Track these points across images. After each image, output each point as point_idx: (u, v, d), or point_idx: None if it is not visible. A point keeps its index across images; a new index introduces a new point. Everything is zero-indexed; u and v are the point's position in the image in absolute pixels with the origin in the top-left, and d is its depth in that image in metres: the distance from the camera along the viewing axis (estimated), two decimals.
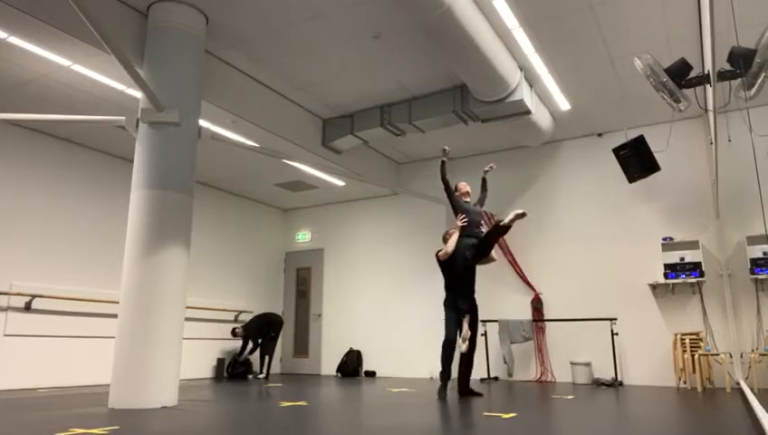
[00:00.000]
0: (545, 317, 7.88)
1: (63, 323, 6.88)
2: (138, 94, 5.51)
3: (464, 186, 5.81)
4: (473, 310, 5.44)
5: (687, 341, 6.48)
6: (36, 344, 6.59)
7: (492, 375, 7.92)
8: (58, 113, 6.31)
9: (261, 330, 8.56)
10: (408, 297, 8.94)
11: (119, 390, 4.40)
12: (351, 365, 9.05)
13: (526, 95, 6.34)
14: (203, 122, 6.07)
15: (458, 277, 5.43)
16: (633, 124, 7.46)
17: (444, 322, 5.41)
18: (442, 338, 5.36)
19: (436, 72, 6.44)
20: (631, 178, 5.90)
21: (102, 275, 7.36)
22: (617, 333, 7.12)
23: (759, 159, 5.80)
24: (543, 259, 8.07)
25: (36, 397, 5.42)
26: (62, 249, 7.03)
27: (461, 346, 5.24)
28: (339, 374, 9.14)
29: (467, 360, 5.39)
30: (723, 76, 4.12)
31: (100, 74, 5.62)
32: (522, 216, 5.19)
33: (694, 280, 6.83)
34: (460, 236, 5.46)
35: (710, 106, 5.09)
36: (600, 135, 8.08)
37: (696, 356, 6.31)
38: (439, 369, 5.34)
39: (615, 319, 7.19)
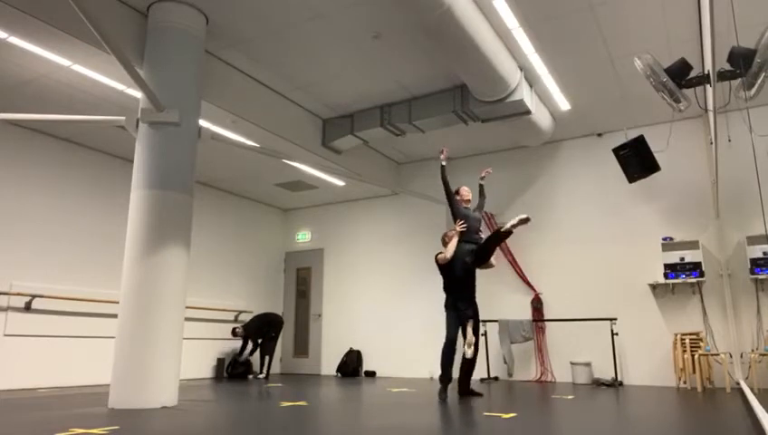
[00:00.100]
0: (545, 317, 7.88)
1: (63, 323, 6.88)
2: (138, 94, 5.51)
3: (466, 192, 5.74)
4: (476, 315, 5.42)
5: (687, 341, 6.48)
6: (36, 344, 6.59)
7: (492, 375, 7.92)
8: (58, 113, 6.31)
9: (261, 330, 8.56)
10: (407, 297, 8.94)
11: (119, 390, 4.40)
12: (351, 365, 9.05)
13: (526, 95, 6.34)
14: (203, 122, 6.07)
15: (458, 282, 5.39)
16: (633, 124, 7.46)
17: (445, 324, 5.39)
18: (442, 338, 5.35)
19: (436, 72, 6.44)
20: (631, 178, 5.90)
21: (102, 275, 7.36)
22: (617, 333, 7.12)
23: (759, 159, 5.79)
24: (543, 259, 8.07)
25: (36, 397, 5.42)
26: (62, 249, 7.03)
27: (467, 352, 5.22)
28: (339, 374, 9.14)
29: (470, 362, 5.37)
30: (723, 76, 4.12)
31: (100, 74, 5.62)
32: (525, 221, 5.10)
33: (694, 280, 6.83)
34: (459, 242, 5.43)
35: (710, 106, 5.09)
36: (599, 135, 8.08)
37: (696, 356, 6.31)
38: (439, 371, 5.32)
39: (615, 319, 7.19)
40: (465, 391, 5.41)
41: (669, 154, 6.47)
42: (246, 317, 9.02)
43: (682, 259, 6.95)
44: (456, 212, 5.57)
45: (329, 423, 3.69)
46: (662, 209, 7.44)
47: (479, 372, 7.41)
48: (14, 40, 4.97)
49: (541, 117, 6.97)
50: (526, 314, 7.96)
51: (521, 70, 6.26)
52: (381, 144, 8.48)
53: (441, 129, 7.45)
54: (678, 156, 7.14)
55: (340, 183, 8.96)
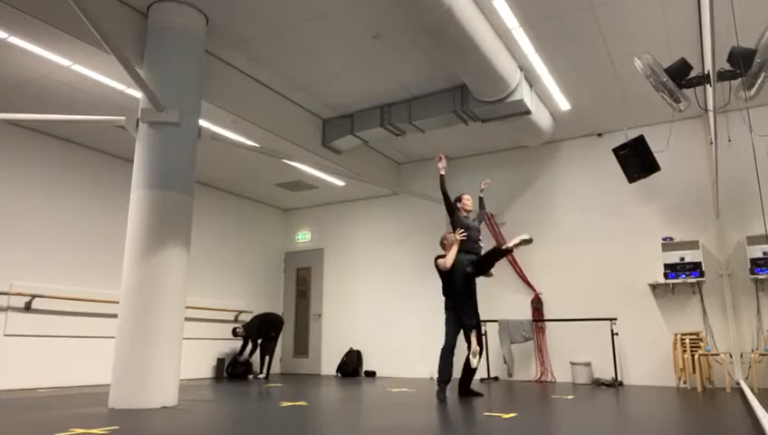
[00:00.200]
0: (545, 317, 7.88)
1: (63, 323, 6.88)
2: (138, 94, 5.51)
3: (467, 201, 5.66)
4: (479, 324, 5.37)
5: (687, 341, 6.48)
6: (36, 344, 6.59)
7: (492, 375, 7.92)
8: (58, 113, 6.31)
9: (261, 330, 8.56)
10: (407, 297, 8.94)
11: (119, 390, 4.40)
12: (351, 365, 9.05)
13: (526, 95, 6.34)
14: (203, 122, 6.07)
15: (459, 292, 5.33)
16: (633, 124, 7.46)
17: (444, 326, 5.36)
18: (442, 338, 5.33)
19: (436, 72, 6.44)
20: (631, 178, 5.90)
21: (102, 275, 7.36)
22: (617, 333, 7.12)
23: (759, 159, 5.80)
24: (543, 259, 8.07)
25: (36, 397, 5.42)
26: (62, 249, 7.03)
27: (472, 362, 5.20)
28: (339, 374, 9.14)
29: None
30: (723, 76, 4.12)
31: (100, 74, 5.62)
32: (527, 242, 5.15)
33: (694, 280, 6.83)
34: (459, 251, 5.36)
35: (710, 106, 5.09)
36: (599, 135, 8.08)
37: (696, 356, 6.31)
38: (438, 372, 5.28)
39: (615, 319, 7.19)
40: (466, 391, 5.41)
41: (669, 154, 6.47)
42: (246, 317, 9.02)
43: (682, 259, 6.95)
44: (457, 221, 5.50)
45: (329, 423, 3.69)
46: (662, 209, 7.44)
47: (479, 372, 7.42)
48: (14, 40, 4.97)
49: (541, 117, 6.97)
50: (526, 314, 7.96)
51: (521, 70, 6.26)
52: (381, 144, 8.48)
53: (441, 129, 7.45)
54: (678, 156, 7.14)
55: (340, 183, 8.96)
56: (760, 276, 6.47)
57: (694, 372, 6.34)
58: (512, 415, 3.96)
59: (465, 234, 5.41)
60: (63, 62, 5.37)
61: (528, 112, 6.53)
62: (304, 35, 5.65)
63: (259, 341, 8.60)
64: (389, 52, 5.98)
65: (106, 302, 7.17)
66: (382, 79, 6.60)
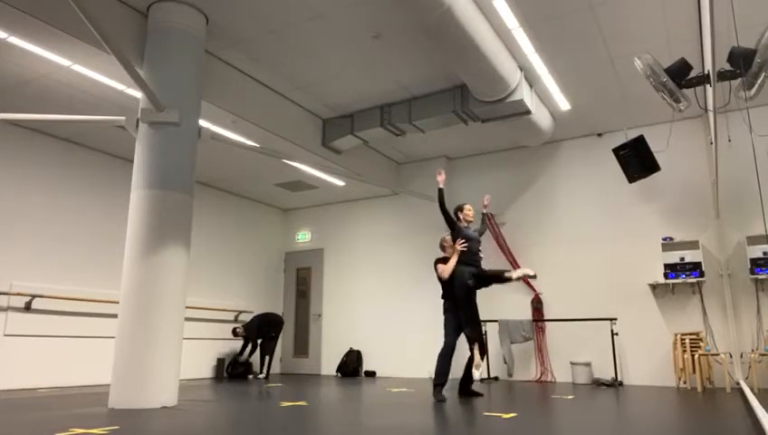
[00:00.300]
0: (545, 317, 7.88)
1: (63, 323, 6.88)
2: (138, 94, 5.51)
3: (469, 211, 5.57)
4: (480, 336, 5.33)
5: (687, 341, 6.48)
6: (36, 344, 6.59)
7: (492, 375, 7.93)
8: (58, 113, 6.31)
9: (261, 330, 8.56)
10: (408, 297, 8.94)
11: (119, 390, 4.40)
12: (351, 365, 9.05)
13: (526, 95, 6.34)
14: (203, 122, 6.07)
15: (461, 304, 5.27)
16: (633, 124, 7.46)
17: (443, 328, 5.33)
18: (442, 338, 5.32)
19: (436, 72, 6.44)
20: (631, 178, 5.90)
21: (102, 275, 7.36)
22: (617, 333, 7.12)
23: (759, 159, 5.79)
24: (543, 259, 8.07)
25: (36, 397, 5.42)
26: (62, 249, 7.03)
27: (474, 374, 5.17)
28: (339, 374, 9.14)
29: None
30: (723, 76, 4.12)
31: (100, 74, 5.62)
32: (530, 277, 5.13)
33: (694, 280, 6.83)
34: (459, 262, 5.29)
35: (710, 106, 5.08)
36: (599, 135, 8.08)
37: (696, 356, 6.31)
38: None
39: (615, 319, 7.19)
40: (466, 391, 5.40)
41: (669, 154, 6.47)
42: (246, 317, 9.02)
43: (682, 259, 6.95)
44: (458, 232, 5.42)
45: (329, 423, 3.69)
46: (662, 209, 7.44)
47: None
48: (14, 40, 4.97)
49: (541, 117, 6.97)
50: (526, 314, 7.96)
51: (521, 70, 6.26)
52: (381, 144, 8.48)
53: (441, 129, 7.46)
54: (678, 156, 7.14)
55: (340, 183, 8.96)
56: (760, 276, 6.47)
57: (694, 372, 6.34)
58: (512, 415, 3.96)
59: (465, 244, 5.32)
60: (63, 62, 5.37)
61: (528, 112, 6.53)
62: (304, 35, 5.65)
63: (259, 341, 8.60)
64: (389, 52, 5.98)
65: (106, 302, 7.17)
66: (382, 79, 6.60)
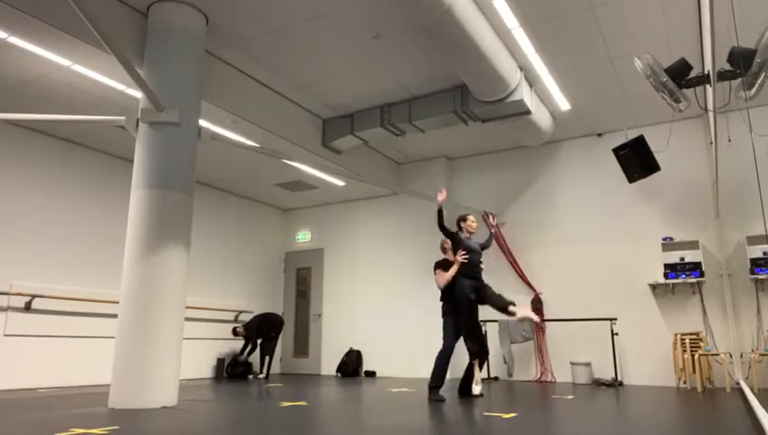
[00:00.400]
0: (545, 317, 7.88)
1: (63, 323, 6.88)
2: (138, 94, 5.51)
3: (472, 223, 5.49)
4: (482, 350, 5.31)
5: (687, 341, 6.48)
6: (36, 344, 6.59)
7: (492, 375, 7.92)
8: (58, 113, 6.31)
9: (261, 330, 8.56)
10: (408, 297, 8.93)
11: (119, 390, 4.40)
12: (351, 365, 9.05)
13: (526, 95, 6.34)
14: (203, 122, 6.07)
15: (460, 313, 5.24)
16: (633, 124, 7.46)
17: (442, 330, 5.30)
18: (441, 338, 5.33)
19: (436, 72, 6.44)
20: (631, 178, 5.90)
21: (102, 275, 7.36)
22: (617, 333, 7.12)
23: (759, 159, 5.79)
24: (543, 259, 8.07)
25: (36, 397, 5.42)
26: (62, 249, 7.03)
27: (474, 389, 5.16)
28: (339, 374, 9.14)
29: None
30: (723, 76, 4.12)
31: (100, 74, 5.62)
32: (532, 320, 5.09)
33: (694, 280, 6.83)
34: (459, 274, 5.23)
35: (710, 106, 5.08)
36: (600, 135, 8.09)
37: (696, 356, 6.31)
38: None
39: (615, 319, 7.19)
40: (466, 391, 5.40)
41: (669, 154, 6.46)
42: (246, 317, 9.02)
43: (682, 259, 6.95)
44: (459, 243, 5.34)
45: (329, 423, 3.69)
46: (662, 209, 7.44)
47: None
48: (14, 40, 4.97)
49: (541, 117, 6.97)
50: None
51: (521, 70, 6.26)
52: (381, 144, 8.48)
53: (441, 129, 7.46)
54: (678, 156, 7.14)
55: (340, 183, 8.96)
56: (760, 276, 6.47)
57: (694, 372, 6.34)
58: (512, 415, 3.96)
59: (466, 256, 5.24)
60: (63, 62, 5.37)
61: (528, 112, 6.53)
62: (304, 35, 5.65)
63: (259, 341, 8.60)
64: (389, 52, 5.98)
65: (106, 302, 7.17)
66: (382, 79, 6.60)
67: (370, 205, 9.82)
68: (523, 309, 5.13)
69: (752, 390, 5.72)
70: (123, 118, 5.06)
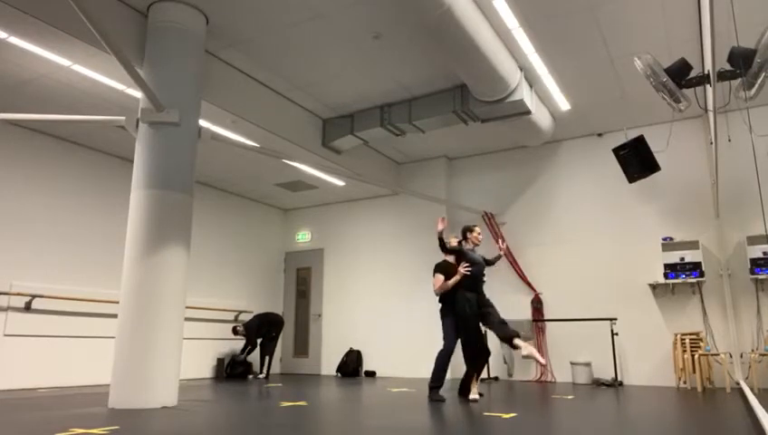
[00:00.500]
0: (545, 317, 7.88)
1: (63, 323, 6.88)
2: (138, 94, 5.51)
3: (478, 235, 5.44)
4: (486, 355, 5.29)
5: (687, 341, 6.48)
6: (36, 344, 6.59)
7: (492, 375, 7.92)
8: (58, 113, 6.31)
9: (261, 329, 8.56)
10: (408, 297, 8.94)
11: (119, 390, 4.40)
12: (351, 365, 9.05)
13: (526, 95, 6.34)
14: (203, 122, 6.07)
15: (460, 326, 5.22)
16: (633, 124, 7.46)
17: (442, 331, 5.29)
18: (441, 337, 5.32)
19: (436, 72, 6.44)
20: (631, 178, 5.89)
21: (102, 275, 7.36)
22: (617, 333, 7.12)
23: (759, 159, 5.80)
24: (543, 259, 8.07)
25: (36, 397, 5.42)
26: (62, 249, 7.03)
27: (472, 395, 5.17)
28: (339, 374, 9.14)
29: (476, 366, 5.32)
30: (723, 76, 4.12)
31: (100, 74, 5.62)
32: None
33: (694, 280, 6.83)
34: (460, 287, 5.18)
35: (710, 106, 5.08)
36: (600, 135, 8.09)
37: (696, 356, 6.31)
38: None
39: (615, 319, 7.19)
40: (466, 392, 5.39)
41: (669, 154, 6.47)
42: (246, 317, 9.02)
43: (682, 259, 6.95)
44: (463, 256, 5.29)
45: (329, 423, 3.69)
46: (662, 209, 7.44)
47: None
48: (14, 40, 4.97)
49: (541, 117, 6.97)
50: (526, 313, 7.96)
51: (521, 70, 6.26)
52: (381, 144, 8.48)
53: (441, 129, 7.46)
54: (678, 156, 7.14)
55: (340, 183, 8.96)
56: (760, 276, 6.47)
57: (694, 372, 6.34)
58: (512, 415, 3.96)
59: (469, 269, 5.16)
60: (63, 62, 5.37)
61: (528, 112, 6.53)
62: (304, 35, 5.65)
63: (259, 340, 8.60)
64: (389, 52, 5.98)
65: (106, 302, 7.17)
66: (382, 79, 6.60)
67: (370, 205, 9.82)
68: (528, 346, 5.00)
69: (752, 390, 5.73)
70: (123, 118, 5.06)
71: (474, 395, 5.15)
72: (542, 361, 5.03)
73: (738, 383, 6.42)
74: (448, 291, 5.25)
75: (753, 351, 6.47)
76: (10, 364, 6.33)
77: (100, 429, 3.29)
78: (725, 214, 6.98)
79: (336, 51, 5.95)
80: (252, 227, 10.03)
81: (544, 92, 6.83)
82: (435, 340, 5.83)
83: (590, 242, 7.81)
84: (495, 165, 8.84)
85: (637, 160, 5.68)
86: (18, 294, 6.45)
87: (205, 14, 5.27)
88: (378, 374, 9.00)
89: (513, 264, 8.20)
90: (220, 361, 8.81)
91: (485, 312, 5.20)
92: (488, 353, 5.40)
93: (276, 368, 9.84)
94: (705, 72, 4.63)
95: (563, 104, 7.16)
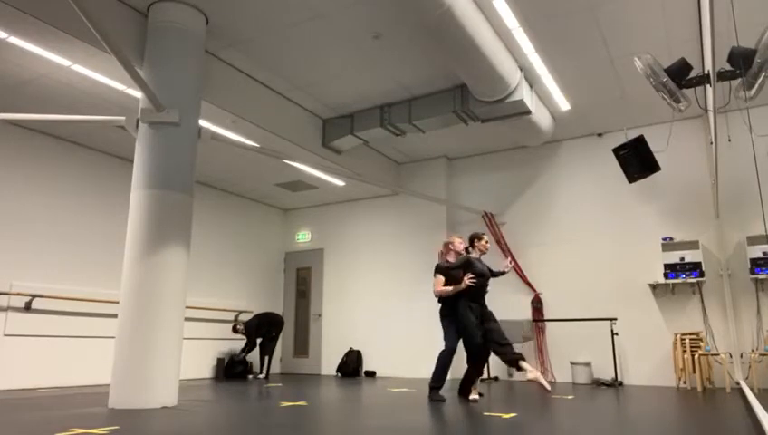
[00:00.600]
0: (545, 317, 7.88)
1: (63, 323, 6.88)
2: (138, 94, 5.51)
3: (485, 244, 5.39)
4: (481, 370, 5.28)
5: (687, 341, 6.48)
6: (36, 344, 6.59)
7: (492, 375, 7.92)
8: (58, 113, 6.31)
9: (261, 329, 8.56)
10: (408, 297, 8.93)
11: (119, 390, 4.40)
12: (351, 365, 9.05)
13: (526, 95, 6.34)
14: (203, 122, 6.07)
15: (462, 334, 5.20)
16: (633, 124, 7.46)
17: (443, 332, 5.27)
18: (441, 337, 5.31)
19: (436, 72, 6.44)
20: (631, 178, 5.89)
21: (102, 275, 7.36)
22: (617, 333, 7.12)
23: (759, 159, 5.80)
24: (543, 259, 8.07)
25: (36, 397, 5.42)
26: (62, 249, 7.03)
27: (472, 395, 5.15)
28: (339, 374, 9.14)
29: (477, 367, 5.31)
30: (723, 76, 4.12)
31: (100, 74, 5.62)
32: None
33: (694, 280, 6.83)
34: (462, 296, 5.13)
35: (710, 106, 5.08)
36: (600, 135, 8.09)
37: (696, 356, 6.31)
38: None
39: (615, 319, 7.19)
40: (466, 392, 5.39)
41: (669, 154, 6.46)
42: (246, 317, 9.02)
43: (682, 259, 6.95)
44: (470, 267, 5.20)
45: (329, 423, 3.69)
46: (662, 209, 7.44)
47: None
48: (14, 40, 4.97)
49: (541, 117, 6.97)
50: (526, 313, 7.96)
51: (521, 70, 6.26)
52: (381, 144, 8.48)
53: (441, 129, 7.46)
54: (678, 156, 7.14)
55: (341, 183, 8.96)
56: (760, 276, 6.47)
57: (694, 372, 6.34)
58: (512, 415, 3.96)
59: (474, 280, 5.08)
60: (63, 62, 5.37)
61: (528, 112, 6.53)
62: (304, 35, 5.65)
63: (258, 340, 8.60)
64: (389, 52, 5.98)
65: (106, 302, 7.17)
66: (382, 79, 6.60)
67: (370, 205, 9.82)
68: (534, 371, 4.93)
69: (752, 390, 5.72)
70: (123, 118, 5.07)
71: (474, 395, 5.15)
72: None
73: (738, 383, 6.42)
74: (449, 296, 5.23)
75: (753, 351, 6.47)
76: (10, 364, 6.33)
77: (100, 429, 3.29)
78: (725, 214, 6.98)
79: (336, 51, 5.95)
80: (252, 227, 10.03)
81: (544, 92, 6.83)
82: (435, 340, 5.83)
83: (590, 242, 7.81)
84: (495, 165, 8.84)
85: (637, 160, 5.68)
86: (18, 294, 6.45)
87: (205, 14, 5.27)
88: (378, 374, 9.00)
89: (514, 264, 8.19)
90: (220, 361, 8.81)
91: (487, 328, 5.15)
92: (488, 354, 5.39)
93: (276, 368, 9.84)
94: (705, 72, 4.63)
95: (563, 104, 7.16)
